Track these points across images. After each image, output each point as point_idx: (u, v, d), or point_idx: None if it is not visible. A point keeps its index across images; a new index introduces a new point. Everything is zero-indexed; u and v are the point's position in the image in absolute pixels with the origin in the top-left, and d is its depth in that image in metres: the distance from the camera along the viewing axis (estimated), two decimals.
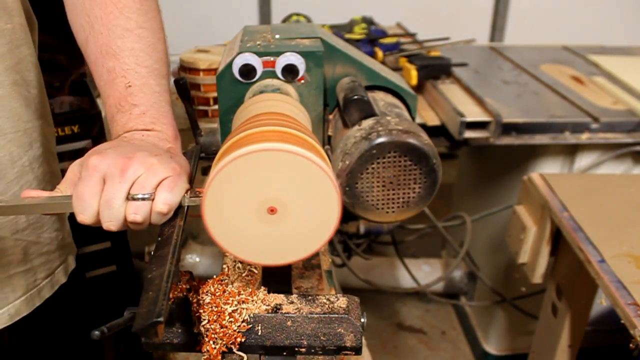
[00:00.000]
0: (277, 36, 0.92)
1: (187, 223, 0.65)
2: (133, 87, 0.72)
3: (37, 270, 0.87)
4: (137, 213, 0.61)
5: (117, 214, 0.61)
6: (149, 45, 0.74)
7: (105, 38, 0.73)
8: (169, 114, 0.75)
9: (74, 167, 0.66)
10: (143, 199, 0.61)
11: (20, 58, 0.79)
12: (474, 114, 1.48)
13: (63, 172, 0.69)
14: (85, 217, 0.61)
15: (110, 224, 0.61)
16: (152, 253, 0.59)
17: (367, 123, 0.82)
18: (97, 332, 0.52)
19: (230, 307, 0.62)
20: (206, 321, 0.61)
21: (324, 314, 0.62)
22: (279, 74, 0.87)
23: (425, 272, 2.22)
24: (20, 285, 0.85)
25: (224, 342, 0.60)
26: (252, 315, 0.62)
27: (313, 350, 0.61)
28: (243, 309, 0.62)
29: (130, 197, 0.61)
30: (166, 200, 0.62)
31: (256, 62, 0.86)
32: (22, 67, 0.80)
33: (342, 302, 0.63)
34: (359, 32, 1.81)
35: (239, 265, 0.74)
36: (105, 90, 0.73)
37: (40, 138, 0.85)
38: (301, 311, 0.62)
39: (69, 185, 0.65)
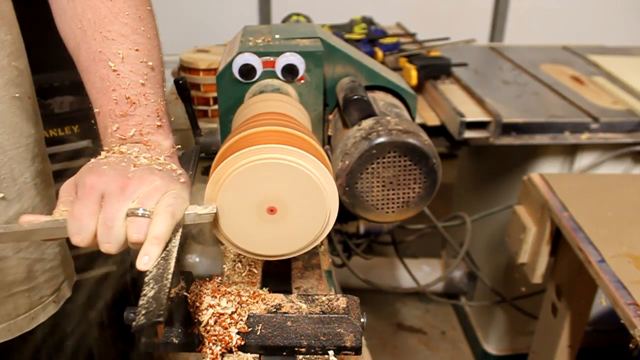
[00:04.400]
0: (277, 36, 0.93)
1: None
2: (129, 96, 0.68)
3: (42, 288, 0.85)
4: (139, 232, 0.57)
5: (117, 234, 0.57)
6: (145, 52, 0.70)
7: (99, 44, 0.68)
8: (166, 125, 0.71)
9: (67, 188, 0.62)
10: (144, 215, 0.58)
11: (20, 70, 0.76)
12: (474, 114, 1.48)
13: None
14: (81, 238, 0.57)
15: (109, 245, 0.58)
16: None
17: (367, 123, 0.82)
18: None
19: (230, 308, 0.62)
20: (206, 322, 0.61)
21: (323, 314, 0.62)
22: (279, 74, 0.87)
23: (425, 272, 2.22)
24: (23, 304, 0.83)
25: (224, 343, 0.60)
26: (252, 315, 0.62)
27: (313, 351, 0.61)
28: (243, 309, 0.62)
29: (129, 213, 0.58)
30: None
31: (256, 62, 0.86)
32: (23, 79, 0.77)
33: (342, 302, 0.63)
34: (359, 32, 1.81)
35: (239, 265, 0.74)
36: (97, 100, 0.69)
37: (41, 152, 0.82)
38: (301, 311, 0.62)
39: (66, 208, 0.61)
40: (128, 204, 0.58)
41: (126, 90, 0.68)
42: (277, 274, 0.75)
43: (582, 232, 1.14)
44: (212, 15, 3.07)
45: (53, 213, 0.61)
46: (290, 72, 0.87)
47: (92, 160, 0.64)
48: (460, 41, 1.91)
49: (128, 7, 0.70)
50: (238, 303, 0.62)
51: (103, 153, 0.66)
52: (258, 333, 0.61)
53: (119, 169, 0.60)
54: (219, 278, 0.67)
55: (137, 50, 0.69)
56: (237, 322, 0.61)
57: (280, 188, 0.60)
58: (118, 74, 0.68)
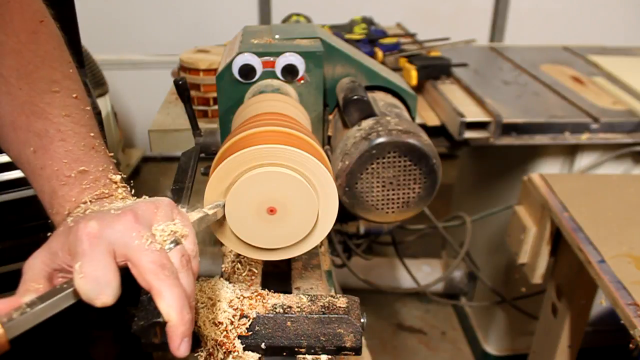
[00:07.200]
0: (277, 36, 0.93)
1: None
2: (76, 151, 0.59)
3: None
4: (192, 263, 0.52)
5: (164, 255, 0.50)
6: (80, 97, 0.62)
7: (26, 94, 0.58)
8: (118, 175, 0.62)
9: (36, 262, 0.52)
10: (170, 249, 0.52)
11: None
12: (474, 114, 1.48)
13: None
14: (108, 297, 0.48)
15: (169, 278, 0.49)
16: None
17: (367, 123, 0.82)
18: None
19: (230, 308, 0.62)
20: (205, 322, 0.61)
21: (324, 314, 0.62)
22: (279, 74, 0.87)
23: (425, 273, 2.22)
24: None
25: (224, 344, 0.60)
26: (252, 315, 0.62)
27: (313, 351, 0.61)
28: (243, 310, 0.62)
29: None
30: (193, 241, 0.55)
31: (256, 62, 0.86)
32: None
33: (342, 302, 0.63)
34: (359, 32, 1.81)
35: (239, 265, 0.74)
36: (36, 160, 0.59)
37: None
38: (301, 311, 0.62)
39: (40, 282, 0.51)
40: (149, 231, 0.51)
41: (72, 144, 0.59)
42: (277, 274, 0.75)
43: (582, 232, 1.14)
44: (212, 15, 3.07)
45: (20, 294, 0.50)
46: (290, 72, 0.87)
47: (60, 227, 0.53)
48: (460, 41, 1.91)
49: (53, 49, 0.61)
50: (237, 303, 0.62)
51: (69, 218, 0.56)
52: (258, 333, 0.61)
53: (109, 214, 0.51)
54: (219, 278, 0.67)
55: (72, 96, 0.61)
56: (237, 323, 0.61)
57: (279, 192, 0.61)
58: (58, 127, 0.59)
